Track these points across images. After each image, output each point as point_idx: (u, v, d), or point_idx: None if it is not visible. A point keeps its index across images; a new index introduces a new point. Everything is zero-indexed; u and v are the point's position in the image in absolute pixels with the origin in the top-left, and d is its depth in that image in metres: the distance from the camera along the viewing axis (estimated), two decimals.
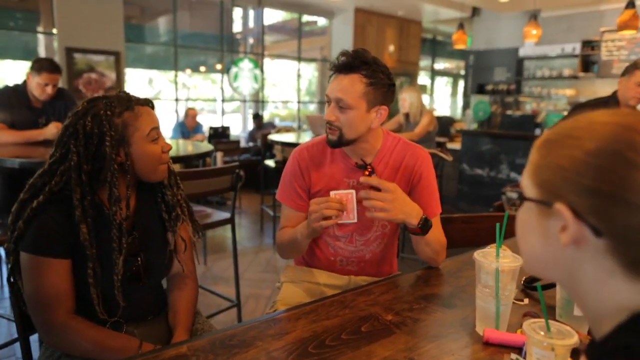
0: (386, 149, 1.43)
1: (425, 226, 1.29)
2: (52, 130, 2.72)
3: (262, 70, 7.34)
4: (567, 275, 0.53)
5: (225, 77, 7.07)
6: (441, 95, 11.27)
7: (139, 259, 1.18)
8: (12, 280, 1.14)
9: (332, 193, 1.22)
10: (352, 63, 1.30)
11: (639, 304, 0.47)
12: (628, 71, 2.68)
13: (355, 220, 1.22)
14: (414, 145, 1.47)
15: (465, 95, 8.58)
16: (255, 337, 1.01)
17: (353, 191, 1.22)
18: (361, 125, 1.33)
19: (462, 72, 9.67)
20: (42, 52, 5.51)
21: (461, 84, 10.14)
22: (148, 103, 1.20)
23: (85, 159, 1.08)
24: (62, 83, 4.97)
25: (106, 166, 1.09)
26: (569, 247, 0.51)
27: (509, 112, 6.13)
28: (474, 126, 5.60)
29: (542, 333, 0.84)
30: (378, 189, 1.21)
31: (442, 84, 11.29)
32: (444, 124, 6.53)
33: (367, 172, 1.39)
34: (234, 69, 6.95)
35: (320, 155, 1.44)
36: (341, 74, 1.31)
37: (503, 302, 1.02)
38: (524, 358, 0.91)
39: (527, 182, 0.56)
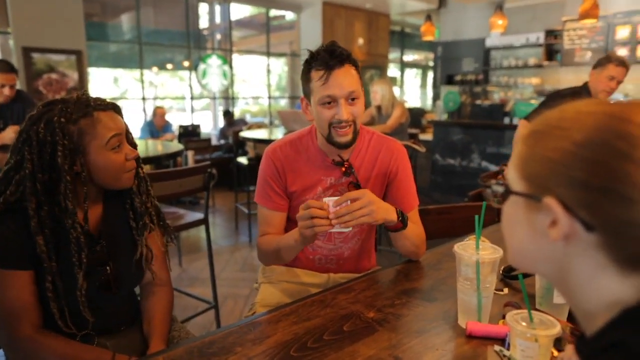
0: (362, 143, 1.40)
1: (404, 219, 1.27)
2: (10, 134, 2.61)
3: (230, 67, 7.22)
4: (556, 270, 0.52)
5: (194, 74, 6.92)
6: (411, 87, 11.36)
7: (107, 268, 1.12)
8: None
9: (325, 199, 1.14)
10: (341, 55, 1.26)
11: (631, 299, 0.46)
12: (600, 64, 2.71)
13: (351, 229, 1.18)
14: (388, 139, 1.45)
15: (435, 86, 8.67)
16: (235, 342, 0.97)
17: (329, 203, 1.15)
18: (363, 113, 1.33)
19: (431, 64, 9.77)
20: None
21: (430, 75, 10.25)
22: (111, 107, 1.11)
23: (40, 168, 1.01)
24: (21, 84, 4.77)
25: (60, 177, 1.02)
26: (558, 242, 0.49)
27: (478, 102, 6.22)
28: (444, 117, 5.66)
29: (525, 324, 0.84)
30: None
31: (412, 76, 11.38)
32: (415, 116, 6.59)
33: (343, 169, 1.37)
34: (202, 66, 6.81)
35: (294, 154, 1.40)
36: (341, 68, 1.25)
37: (484, 294, 1.01)
38: (508, 349, 0.91)
39: (513, 175, 0.54)
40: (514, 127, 4.68)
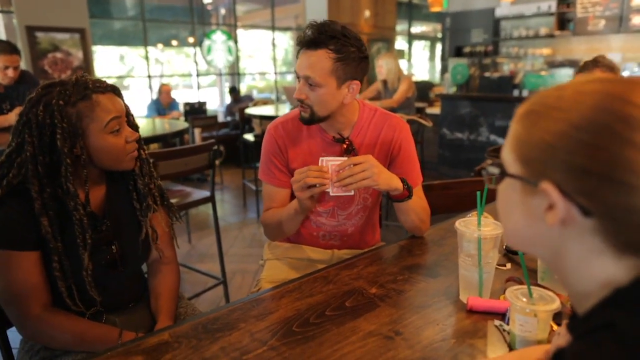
0: (363, 120, 1.39)
1: (410, 188, 1.28)
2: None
3: (235, 42, 7.14)
4: (551, 253, 0.51)
5: (199, 50, 6.86)
6: (419, 60, 11.17)
7: (113, 247, 1.14)
8: None
9: (321, 159, 1.18)
10: (318, 38, 1.23)
11: (623, 279, 0.46)
12: (587, 67, 2.47)
13: (352, 193, 1.19)
14: (391, 115, 1.43)
15: (443, 59, 8.51)
16: (239, 319, 0.99)
17: (329, 164, 1.18)
18: (332, 102, 1.29)
19: (440, 35, 9.57)
20: (1, 33, 5.24)
21: (439, 47, 10.05)
22: (110, 89, 1.09)
23: (41, 151, 1.01)
24: (26, 65, 4.77)
25: (60, 160, 1.02)
26: (554, 226, 0.48)
27: (486, 74, 6.10)
28: (452, 90, 5.58)
29: (525, 300, 0.84)
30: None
31: (420, 48, 11.17)
32: (423, 89, 6.50)
33: (344, 146, 1.36)
34: (206, 42, 6.74)
35: (296, 131, 1.40)
36: (308, 50, 1.25)
37: (485, 270, 1.02)
38: (507, 324, 0.92)
39: (508, 157, 0.53)
40: (523, 100, 4.60)
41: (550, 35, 6.86)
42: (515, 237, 0.55)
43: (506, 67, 7.46)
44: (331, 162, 1.18)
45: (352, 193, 1.19)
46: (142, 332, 1.12)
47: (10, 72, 2.65)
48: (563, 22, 6.83)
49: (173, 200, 2.34)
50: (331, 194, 1.17)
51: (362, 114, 1.39)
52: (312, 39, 1.23)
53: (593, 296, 0.47)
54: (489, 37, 7.56)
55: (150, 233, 1.20)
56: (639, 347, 0.39)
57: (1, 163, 1.04)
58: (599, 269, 0.47)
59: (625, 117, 0.44)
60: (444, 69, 8.32)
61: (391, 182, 1.22)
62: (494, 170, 0.55)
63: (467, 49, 7.74)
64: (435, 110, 5.65)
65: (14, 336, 1.16)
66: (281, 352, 0.87)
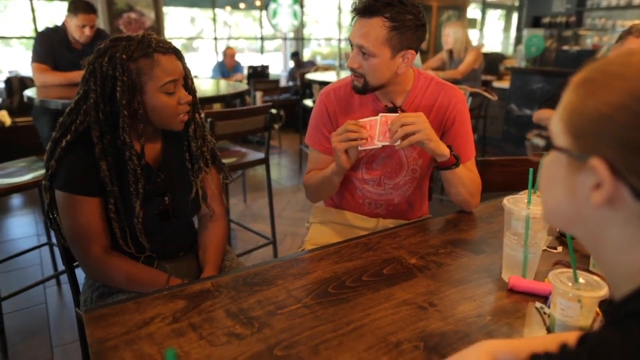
0: (417, 89, 1.35)
1: (457, 156, 1.25)
2: None
3: (302, 6, 7.07)
4: (591, 235, 0.48)
5: (264, 14, 6.88)
6: (492, 30, 10.53)
7: (166, 199, 1.21)
8: (50, 216, 1.20)
9: (360, 121, 1.19)
10: (374, 6, 1.18)
11: None
12: (621, 38, 2.27)
13: (379, 145, 1.18)
14: (447, 85, 1.38)
15: (518, 30, 7.95)
16: (277, 276, 1.03)
17: (379, 116, 1.17)
18: (386, 72, 1.25)
19: (517, 4, 8.93)
20: None
21: (515, 17, 9.40)
22: (172, 51, 1.13)
23: (102, 99, 1.08)
24: (102, 24, 5.02)
25: (118, 111, 1.08)
26: (600, 207, 0.45)
27: (565, 48, 5.65)
28: (524, 63, 5.23)
29: (570, 284, 0.81)
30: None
31: (495, 18, 10.51)
32: (493, 61, 6.15)
33: (398, 113, 1.33)
34: (272, 5, 6.73)
35: (347, 98, 1.38)
36: (363, 18, 1.21)
37: (532, 251, 0.98)
38: (549, 307, 0.88)
39: (558, 128, 0.49)
40: None
41: None
42: (555, 215, 0.52)
43: (589, 41, 6.85)
44: (384, 117, 1.18)
45: (378, 145, 1.19)
46: (188, 279, 1.19)
47: (87, 31, 2.79)
48: None
49: (229, 160, 2.43)
50: (376, 142, 1.17)
51: (416, 82, 1.35)
52: (367, 6, 1.19)
53: (632, 283, 0.44)
54: (573, 6, 6.95)
55: (200, 193, 1.25)
56: None
57: (70, 110, 1.13)
58: None
59: None
60: (517, 41, 7.80)
61: (439, 145, 1.20)
62: (540, 142, 0.51)
63: (546, 19, 7.17)
64: (504, 84, 5.34)
65: (80, 272, 1.28)
66: (314, 310, 0.90)
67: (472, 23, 9.18)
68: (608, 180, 0.43)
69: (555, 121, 0.50)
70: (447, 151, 1.21)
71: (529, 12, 7.53)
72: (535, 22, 7.35)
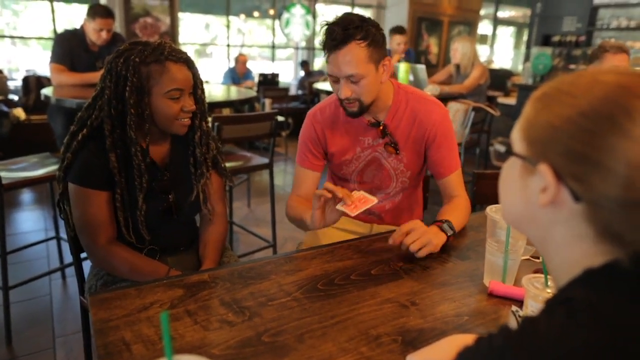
0: (398, 104, 1.40)
1: (451, 227, 1.25)
2: None
3: (314, 17, 7.20)
4: (540, 234, 0.54)
5: (277, 23, 7.01)
6: (503, 47, 10.60)
7: (170, 196, 1.28)
8: (61, 205, 1.28)
9: (355, 193, 1.19)
10: (345, 34, 1.22)
11: (597, 264, 0.48)
12: (596, 57, 2.31)
13: (353, 215, 1.17)
14: (429, 100, 1.42)
15: (528, 47, 8.02)
16: (271, 271, 1.09)
17: (375, 200, 1.18)
18: (375, 87, 1.31)
19: (528, 22, 9.00)
20: None
21: (527, 35, 9.46)
22: (183, 60, 1.20)
23: (114, 96, 1.16)
24: (119, 28, 5.16)
25: (126, 109, 1.16)
26: (545, 208, 0.51)
27: (572, 67, 5.70)
28: (532, 81, 5.28)
29: (540, 287, 0.86)
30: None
31: (506, 35, 10.59)
32: (501, 77, 6.21)
33: (380, 129, 1.40)
34: (285, 15, 6.86)
35: (333, 116, 1.44)
36: (340, 50, 1.23)
37: (511, 257, 1.03)
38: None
39: (516, 136, 0.55)
40: None
41: None
42: (510, 214, 0.58)
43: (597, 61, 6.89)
44: (362, 194, 1.19)
45: (352, 215, 1.16)
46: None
47: (104, 34, 2.90)
48: None
49: (235, 164, 2.51)
50: (352, 215, 1.16)
51: (396, 96, 1.40)
52: (340, 37, 1.23)
53: (570, 276, 0.50)
54: (583, 26, 7.02)
55: (200, 197, 1.32)
56: (585, 319, 0.42)
57: (88, 105, 1.21)
58: (580, 254, 0.49)
59: (630, 109, 0.45)
60: (526, 58, 7.86)
61: (440, 242, 1.20)
62: (501, 148, 0.58)
63: (556, 38, 7.23)
64: (510, 100, 5.40)
65: (86, 263, 1.35)
66: (302, 303, 0.96)
67: (483, 39, 9.26)
68: (552, 184, 0.49)
69: (515, 130, 0.56)
70: (444, 239, 1.21)
71: (539, 30, 7.60)
72: (545, 41, 7.42)
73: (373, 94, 1.32)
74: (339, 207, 1.16)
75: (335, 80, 1.30)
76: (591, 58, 2.36)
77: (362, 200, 1.19)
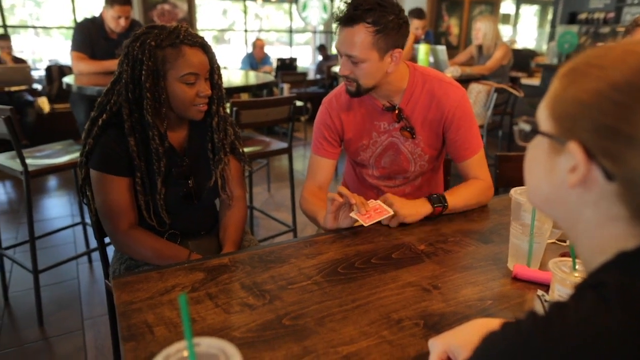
0: (414, 87, 1.37)
1: (438, 201, 1.27)
2: None
3: (331, 0, 7.10)
4: (567, 216, 0.51)
5: (294, 7, 6.93)
6: (526, 26, 10.29)
7: (189, 182, 1.28)
8: (83, 191, 1.29)
9: (371, 202, 1.21)
10: (355, 14, 1.20)
11: (632, 247, 0.45)
12: (628, 32, 2.21)
13: (366, 225, 1.19)
14: (446, 81, 1.38)
15: (553, 26, 7.76)
16: (291, 255, 1.09)
17: (390, 212, 1.20)
18: (377, 74, 1.28)
19: None
20: None
21: (552, 12, 9.15)
22: (199, 45, 1.19)
23: (132, 80, 1.16)
24: (137, 15, 5.18)
25: (143, 93, 1.16)
26: (575, 189, 0.48)
27: (600, 44, 5.49)
28: (557, 60, 5.12)
29: (569, 271, 0.83)
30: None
31: (530, 14, 10.26)
32: (524, 58, 6.05)
33: (395, 113, 1.37)
34: None
35: (348, 102, 1.42)
36: (346, 27, 1.22)
37: (536, 241, 1.00)
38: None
39: (543, 114, 0.52)
40: None
41: None
42: (537, 196, 0.55)
43: (629, 36, 6.63)
44: (379, 203, 1.22)
45: (365, 225, 1.18)
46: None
47: (122, 22, 2.92)
48: None
49: (254, 148, 2.51)
50: (365, 225, 1.18)
51: (412, 79, 1.37)
52: (349, 15, 1.21)
53: (600, 260, 0.47)
54: (612, 1, 6.74)
55: (219, 183, 1.31)
56: (617, 304, 0.40)
57: (107, 90, 1.22)
58: (612, 236, 0.47)
59: None
60: (551, 37, 7.61)
61: (418, 213, 1.23)
62: (526, 127, 0.55)
63: (582, 15, 6.96)
64: (534, 81, 5.25)
65: (110, 249, 1.38)
66: (323, 287, 0.95)
67: (505, 19, 9.00)
68: (583, 162, 0.46)
69: (541, 108, 0.53)
70: (428, 210, 1.25)
71: (565, 7, 7.32)
72: (571, 18, 7.15)
73: (372, 80, 1.29)
74: (353, 215, 1.19)
75: (340, 54, 1.30)
76: (624, 34, 2.27)
77: (378, 210, 1.20)
